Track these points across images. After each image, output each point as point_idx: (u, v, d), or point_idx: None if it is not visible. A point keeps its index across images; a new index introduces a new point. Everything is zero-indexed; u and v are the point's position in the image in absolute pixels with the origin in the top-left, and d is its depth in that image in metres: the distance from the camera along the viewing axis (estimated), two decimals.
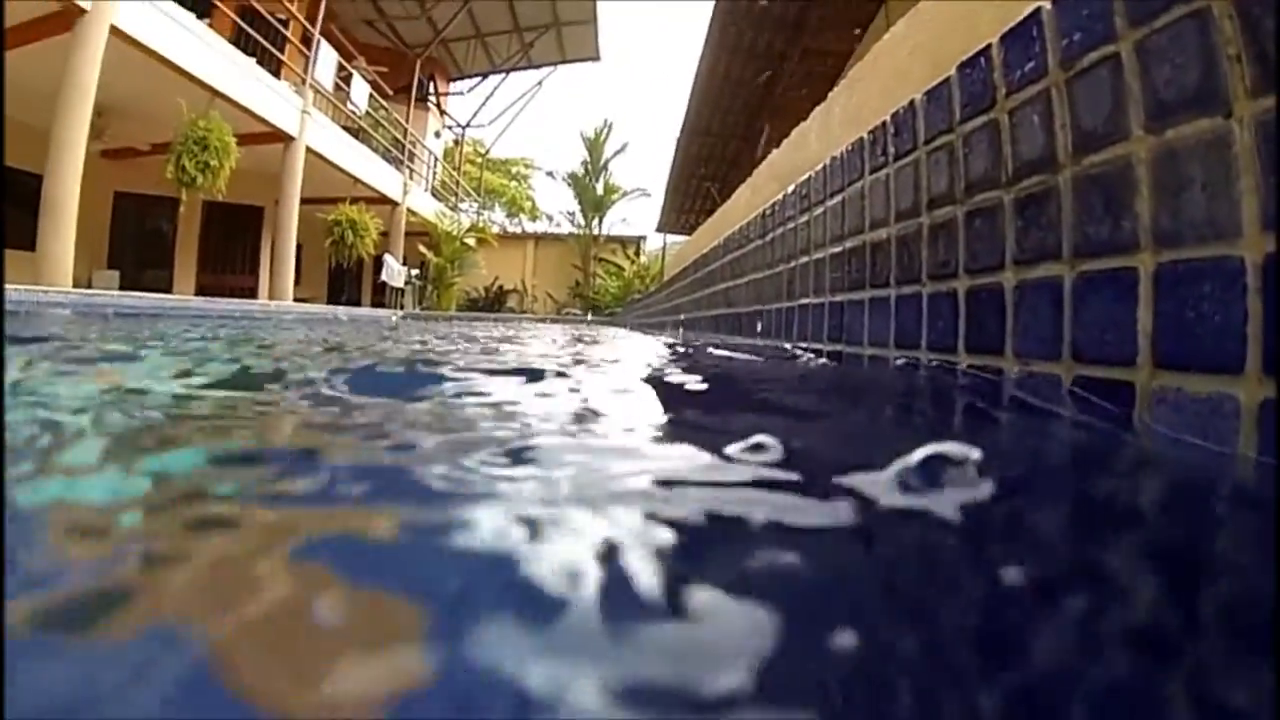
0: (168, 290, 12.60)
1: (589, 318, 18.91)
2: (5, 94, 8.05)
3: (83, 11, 6.79)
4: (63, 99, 6.84)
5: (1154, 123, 0.88)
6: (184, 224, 12.56)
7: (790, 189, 2.63)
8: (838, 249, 2.04)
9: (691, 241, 7.71)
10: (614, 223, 25.16)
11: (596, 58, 20.88)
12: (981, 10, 1.35)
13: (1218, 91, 0.79)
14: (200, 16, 8.73)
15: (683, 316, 5.93)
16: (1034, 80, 1.12)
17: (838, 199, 2.06)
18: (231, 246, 14.85)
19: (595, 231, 24.43)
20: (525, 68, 21.33)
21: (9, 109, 9.60)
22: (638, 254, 24.32)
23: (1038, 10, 1.12)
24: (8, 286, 5.64)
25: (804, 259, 2.41)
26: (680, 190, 17.95)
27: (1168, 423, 0.84)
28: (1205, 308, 0.80)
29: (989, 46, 1.25)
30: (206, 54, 8.69)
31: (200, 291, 13.18)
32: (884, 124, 1.72)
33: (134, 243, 13.12)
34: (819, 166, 2.28)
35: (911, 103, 1.57)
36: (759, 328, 3.12)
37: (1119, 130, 0.94)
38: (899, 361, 1.57)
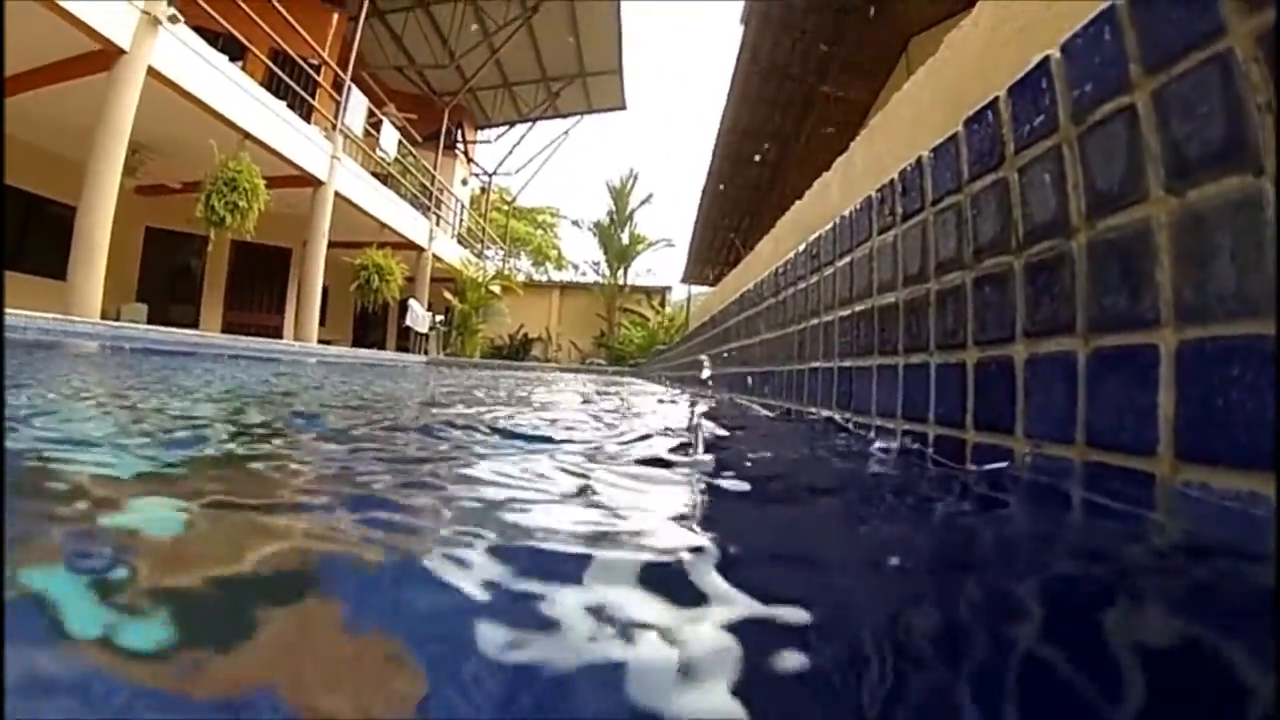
0: (194, 326, 12.80)
1: (610, 369, 18.83)
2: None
3: (122, 52, 7.03)
4: (99, 135, 7.08)
5: (1175, 182, 0.79)
6: (212, 262, 12.76)
7: (801, 247, 2.56)
8: (846, 312, 1.95)
9: (715, 294, 7.66)
10: (639, 273, 25.32)
11: (622, 107, 21.24)
12: (1000, 57, 1.28)
13: (1246, 146, 0.70)
14: (233, 59, 8.99)
15: (706, 375, 5.85)
16: (1044, 135, 1.03)
17: (846, 260, 1.98)
18: (258, 286, 15.09)
19: (620, 281, 24.53)
20: (552, 117, 21.76)
21: (46, 141, 9.91)
22: (663, 304, 24.39)
23: (1046, 59, 1.04)
24: (37, 314, 5.68)
25: (814, 320, 2.32)
26: (704, 241, 18.00)
27: (1192, 521, 0.74)
28: (1234, 394, 0.70)
29: (996, 99, 1.17)
30: (239, 96, 8.95)
31: (226, 329, 13.38)
32: (892, 182, 1.64)
33: (163, 278, 13.41)
34: (828, 225, 2.20)
35: (919, 160, 1.49)
36: (767, 390, 3.02)
37: (1137, 191, 0.84)
38: (906, 435, 1.47)
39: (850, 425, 1.84)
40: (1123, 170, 0.87)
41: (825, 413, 2.09)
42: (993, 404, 1.14)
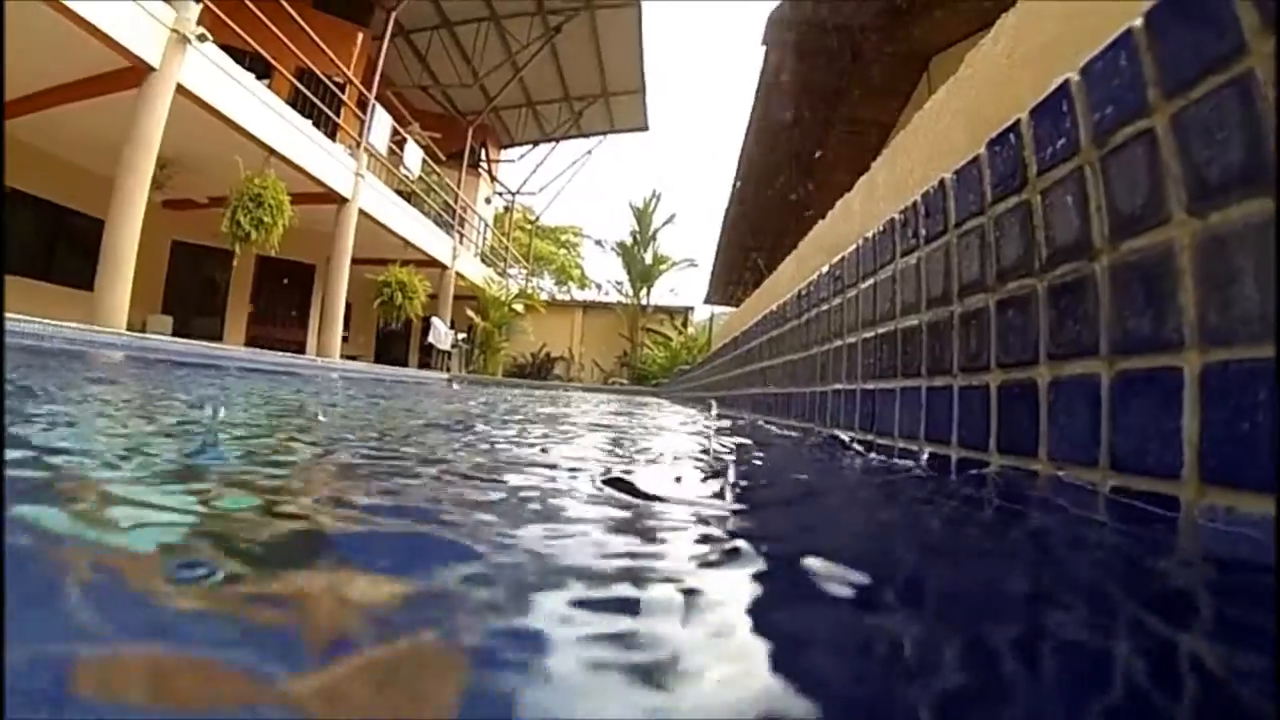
0: (218, 339, 12.95)
1: (630, 387, 18.82)
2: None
3: (151, 69, 7.19)
4: (128, 150, 7.25)
5: (1197, 204, 0.79)
6: (237, 276, 12.96)
7: (825, 269, 2.56)
8: (870, 334, 1.95)
9: (737, 315, 7.65)
10: (662, 293, 25.44)
11: (645, 127, 21.37)
12: (1021, 76, 1.28)
13: (1267, 168, 0.70)
14: (260, 78, 9.17)
15: (722, 393, 5.84)
16: (1066, 158, 1.04)
17: (870, 282, 1.98)
18: (282, 301, 15.30)
19: (643, 301, 24.56)
20: (575, 136, 21.92)
21: (76, 156, 10.13)
22: (685, 325, 24.37)
23: (1066, 81, 1.04)
24: (64, 324, 5.77)
25: (837, 342, 2.32)
26: (727, 262, 17.99)
27: (1217, 546, 0.73)
28: (1260, 416, 0.70)
29: (1018, 121, 1.18)
30: (265, 114, 9.14)
31: (249, 342, 13.56)
32: (914, 204, 1.64)
33: (188, 290, 13.67)
34: (852, 247, 2.20)
35: (941, 182, 1.49)
36: (789, 411, 3.02)
37: (1159, 213, 0.84)
38: (925, 457, 1.47)
39: (865, 446, 1.83)
40: (1144, 193, 0.87)
41: (847, 434, 2.09)
42: (1016, 426, 1.13)
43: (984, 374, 1.25)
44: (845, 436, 2.10)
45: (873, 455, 1.79)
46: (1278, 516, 0.66)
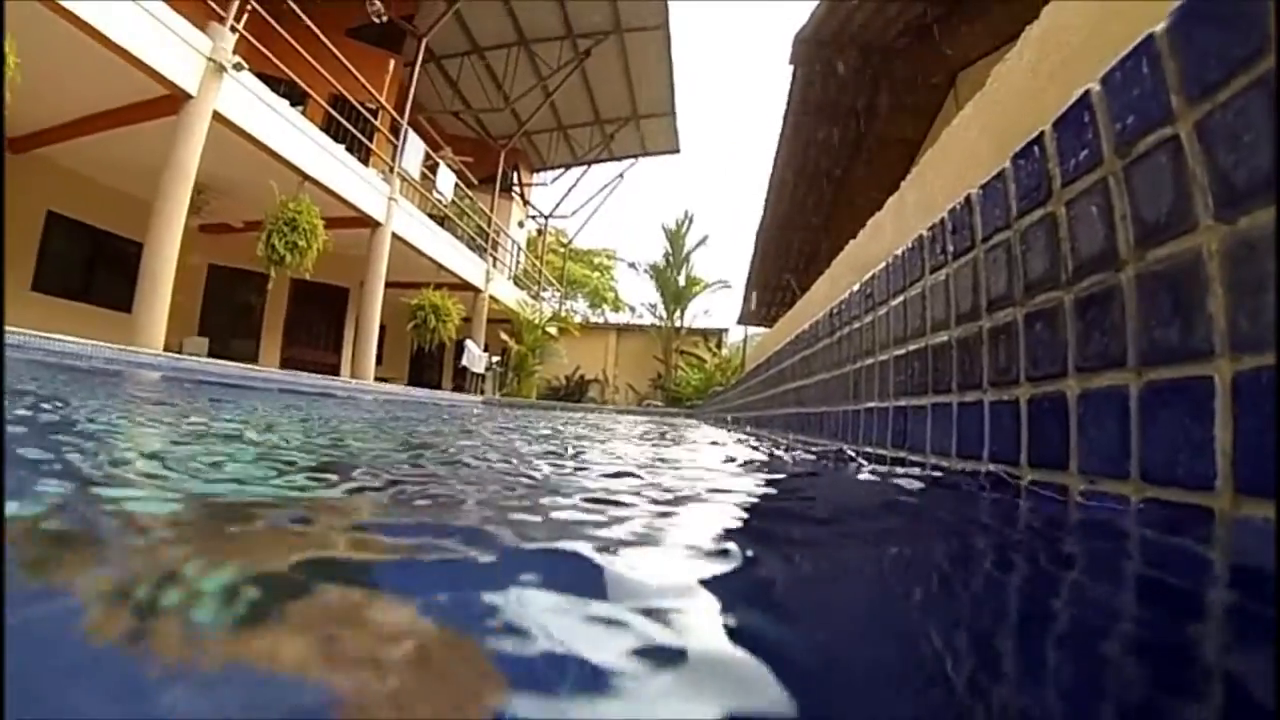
0: (253, 360, 13.14)
1: (663, 409, 18.79)
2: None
3: (189, 97, 7.39)
4: (166, 175, 7.46)
5: (1225, 210, 0.77)
6: (272, 299, 13.17)
7: (856, 287, 2.55)
8: (900, 351, 1.94)
9: (770, 335, 7.63)
10: (696, 314, 25.32)
11: (676, 150, 21.42)
12: (1045, 89, 1.27)
13: None
14: (294, 104, 9.37)
15: (755, 414, 5.81)
16: (1089, 169, 1.03)
17: (900, 299, 1.97)
18: (316, 323, 15.50)
19: (677, 323, 24.55)
20: (606, 159, 22.02)
21: (115, 181, 10.45)
22: (719, 346, 24.30)
23: (1086, 93, 1.04)
24: (103, 344, 5.90)
25: (869, 360, 2.31)
26: (760, 283, 17.95)
27: (1254, 559, 0.71)
28: None
29: (1042, 134, 1.17)
30: (299, 140, 9.34)
31: (284, 364, 13.77)
32: (942, 221, 1.64)
33: (224, 313, 13.94)
34: (881, 265, 2.20)
35: (968, 198, 1.48)
36: (822, 430, 3.00)
37: (1185, 221, 0.83)
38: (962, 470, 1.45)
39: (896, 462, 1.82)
40: (1170, 201, 0.86)
41: (880, 452, 2.07)
42: (1047, 441, 1.12)
43: (1014, 388, 1.23)
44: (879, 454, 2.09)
45: (902, 470, 1.78)
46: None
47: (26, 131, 9.19)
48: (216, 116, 7.84)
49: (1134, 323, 0.92)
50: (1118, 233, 0.96)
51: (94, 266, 11.36)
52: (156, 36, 6.94)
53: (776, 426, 4.63)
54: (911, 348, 1.84)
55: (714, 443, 3.77)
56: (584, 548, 0.69)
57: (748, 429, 6.00)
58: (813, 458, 2.53)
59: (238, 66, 7.91)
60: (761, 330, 17.04)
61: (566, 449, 2.39)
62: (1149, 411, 0.88)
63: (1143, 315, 0.91)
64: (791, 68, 8.39)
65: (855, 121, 9.26)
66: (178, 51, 7.25)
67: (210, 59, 7.62)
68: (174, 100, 7.54)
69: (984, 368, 1.37)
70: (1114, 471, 0.94)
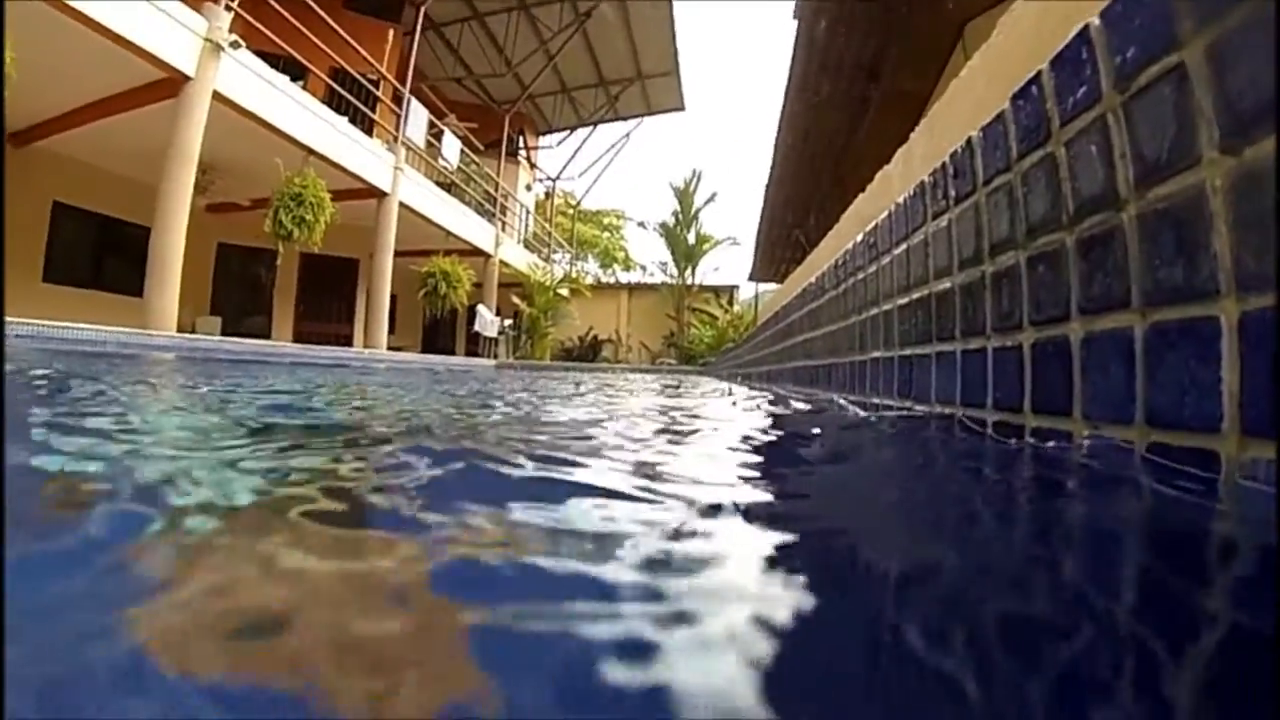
0: (266, 336, 13.18)
1: (676, 367, 18.78)
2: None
3: (187, 78, 7.33)
4: (170, 158, 7.40)
5: (1230, 141, 0.74)
6: (282, 274, 13.13)
7: (859, 237, 2.51)
8: (905, 300, 1.91)
9: (781, 290, 7.59)
10: (706, 271, 25.14)
11: (681, 108, 21.20)
12: (1050, 31, 1.23)
13: None
14: (294, 79, 9.29)
15: (766, 368, 5.80)
16: (1088, 107, 0.99)
17: (903, 247, 1.94)
18: (328, 296, 15.50)
19: (688, 281, 24.43)
20: (612, 120, 21.79)
21: (119, 167, 10.42)
22: (731, 303, 24.19)
23: (1086, 27, 1.00)
24: (116, 329, 5.93)
25: (874, 310, 2.28)
26: (770, 239, 17.82)
27: (1260, 502, 0.69)
28: None
29: (1039, 73, 1.13)
30: (301, 115, 9.25)
31: (297, 338, 13.80)
32: (943, 165, 1.60)
33: (235, 291, 13.94)
34: (884, 214, 2.16)
35: (969, 141, 1.45)
36: (830, 382, 2.98)
37: (1187, 156, 0.80)
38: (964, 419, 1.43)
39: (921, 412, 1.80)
40: (1172, 135, 0.83)
41: (887, 402, 2.05)
42: (1050, 386, 1.10)
43: (1017, 333, 1.21)
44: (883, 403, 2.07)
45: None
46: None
47: (26, 125, 9.14)
48: (216, 96, 7.75)
49: (1137, 263, 0.89)
50: (1118, 171, 0.93)
51: (103, 254, 11.36)
52: (150, 20, 6.83)
53: (786, 380, 4.61)
54: (915, 296, 1.81)
55: (724, 392, 3.84)
56: None
57: (758, 384, 5.99)
58: (807, 406, 2.57)
59: (235, 45, 7.80)
60: (773, 287, 16.97)
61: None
62: (1154, 354, 0.86)
63: (1146, 255, 0.88)
64: (796, 21, 8.23)
65: (862, 76, 9.10)
66: (173, 33, 7.14)
67: (207, 39, 7.50)
68: (173, 83, 7.45)
69: (987, 314, 1.34)
70: (1118, 417, 0.92)
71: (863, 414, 1.50)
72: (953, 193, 1.54)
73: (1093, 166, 0.98)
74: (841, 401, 2.31)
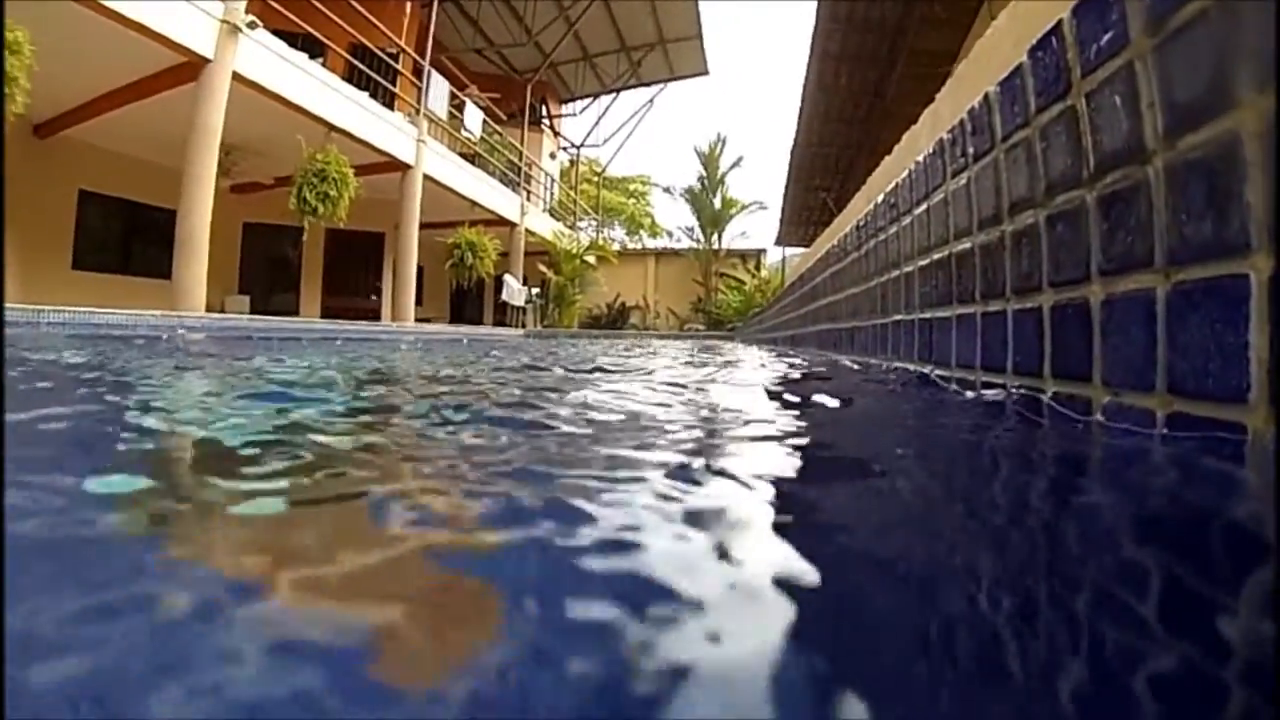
0: (294, 313, 13.29)
1: (704, 333, 18.71)
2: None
3: (206, 61, 7.31)
4: (192, 141, 7.42)
5: (1269, 81, 0.68)
6: (308, 250, 13.20)
7: (880, 198, 2.45)
8: (925, 261, 1.85)
9: (807, 254, 7.49)
10: (733, 236, 24.95)
11: (705, 72, 20.95)
12: None
13: None
14: (314, 57, 9.25)
15: (791, 332, 5.74)
16: (1114, 54, 0.93)
17: (923, 207, 1.87)
18: (354, 270, 15.57)
19: (715, 246, 24.26)
20: (635, 86, 21.57)
21: (143, 153, 10.48)
22: (758, 267, 24.00)
23: None
24: (148, 312, 5.99)
25: (895, 272, 2.22)
26: (796, 203, 17.65)
27: None
28: None
29: (1060, 22, 1.07)
30: (322, 91, 9.23)
31: (325, 314, 13.88)
32: (961, 122, 1.54)
33: (262, 269, 14.05)
34: (904, 173, 2.09)
35: (986, 96, 1.38)
36: (853, 346, 2.93)
37: (1224, 99, 0.74)
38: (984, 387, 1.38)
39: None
40: (1207, 78, 0.77)
41: (908, 366, 2.01)
42: (1070, 351, 1.05)
43: (1037, 295, 1.16)
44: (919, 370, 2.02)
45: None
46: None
47: (49, 116, 9.20)
48: (236, 77, 7.74)
49: (1162, 219, 0.84)
50: (1144, 122, 0.87)
51: (131, 239, 11.50)
52: (167, 5, 6.82)
53: (810, 344, 4.56)
54: (936, 257, 1.75)
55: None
56: None
57: (782, 347, 5.93)
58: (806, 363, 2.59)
59: (252, 25, 7.78)
60: (799, 250, 16.81)
61: None
62: (1177, 316, 0.81)
63: (1172, 210, 0.82)
64: None
65: (888, 37, 8.91)
66: (190, 17, 7.12)
67: (224, 21, 7.48)
68: (192, 66, 7.45)
69: (1007, 275, 1.29)
70: (1139, 384, 0.87)
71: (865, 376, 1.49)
72: (971, 150, 1.48)
73: (1117, 118, 0.92)
74: (846, 362, 2.29)
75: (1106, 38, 0.94)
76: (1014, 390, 1.24)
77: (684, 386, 1.87)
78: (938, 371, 1.72)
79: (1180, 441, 0.79)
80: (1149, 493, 0.72)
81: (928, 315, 1.82)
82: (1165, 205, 0.83)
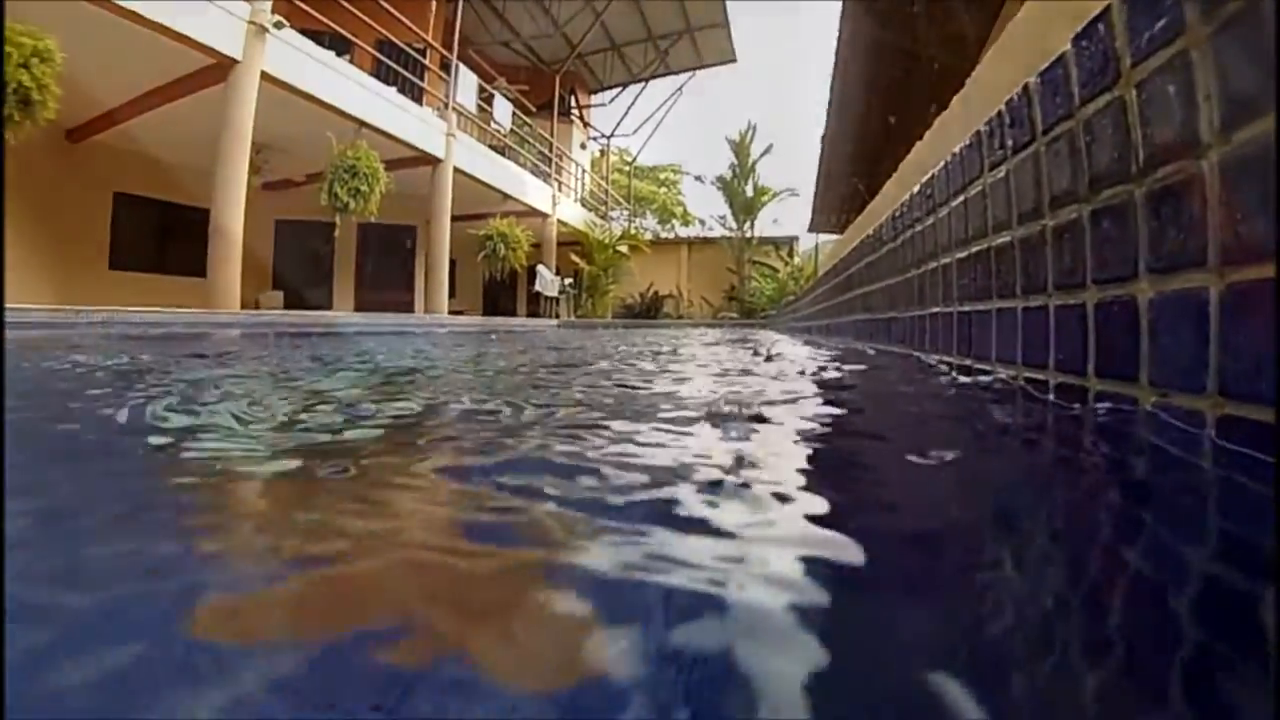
0: (328, 308, 13.43)
1: (737, 321, 18.65)
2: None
3: (235, 62, 7.42)
4: (224, 141, 7.56)
5: None
6: (340, 246, 13.33)
7: (915, 189, 2.41)
8: (963, 254, 1.82)
9: (841, 241, 7.42)
10: (766, 224, 24.80)
11: (733, 59, 20.85)
12: None
13: None
14: (341, 54, 9.37)
15: (826, 321, 5.69)
16: (1167, 42, 0.90)
17: (960, 199, 1.84)
18: (387, 264, 15.72)
19: (747, 234, 24.12)
20: (663, 74, 21.55)
21: (175, 154, 10.70)
22: (791, 255, 23.82)
23: None
24: (183, 310, 6.08)
25: (932, 264, 2.19)
26: (828, 190, 17.46)
27: None
28: None
29: (1108, 8, 1.03)
30: (350, 88, 9.36)
31: (359, 308, 14.05)
32: (999, 114, 1.50)
33: (295, 265, 14.22)
34: (940, 165, 2.06)
35: (1025, 87, 1.35)
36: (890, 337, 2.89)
37: None
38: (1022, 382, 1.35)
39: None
40: (1268, 67, 0.73)
41: (947, 359, 1.97)
42: (1115, 349, 1.02)
43: (1080, 292, 1.13)
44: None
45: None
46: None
47: (80, 121, 9.38)
48: (265, 77, 7.88)
49: (1216, 216, 0.81)
50: (1200, 114, 0.84)
51: (165, 239, 11.75)
52: (194, 6, 6.95)
53: (846, 334, 4.52)
54: (974, 249, 1.72)
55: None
56: None
57: (818, 336, 5.89)
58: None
59: (278, 25, 7.90)
60: (832, 237, 16.66)
61: None
62: (1231, 317, 0.78)
63: (1227, 207, 0.79)
64: None
65: (917, 19, 8.77)
66: (217, 19, 7.25)
67: (251, 22, 7.61)
68: (221, 68, 7.59)
69: (1048, 270, 1.26)
70: (1189, 385, 0.84)
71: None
72: (1010, 142, 1.45)
73: (1169, 110, 0.89)
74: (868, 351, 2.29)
75: (1160, 24, 0.91)
76: (1054, 384, 1.22)
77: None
78: (979, 365, 1.69)
79: (1229, 444, 0.76)
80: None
81: (966, 308, 1.79)
82: (1220, 202, 0.80)
